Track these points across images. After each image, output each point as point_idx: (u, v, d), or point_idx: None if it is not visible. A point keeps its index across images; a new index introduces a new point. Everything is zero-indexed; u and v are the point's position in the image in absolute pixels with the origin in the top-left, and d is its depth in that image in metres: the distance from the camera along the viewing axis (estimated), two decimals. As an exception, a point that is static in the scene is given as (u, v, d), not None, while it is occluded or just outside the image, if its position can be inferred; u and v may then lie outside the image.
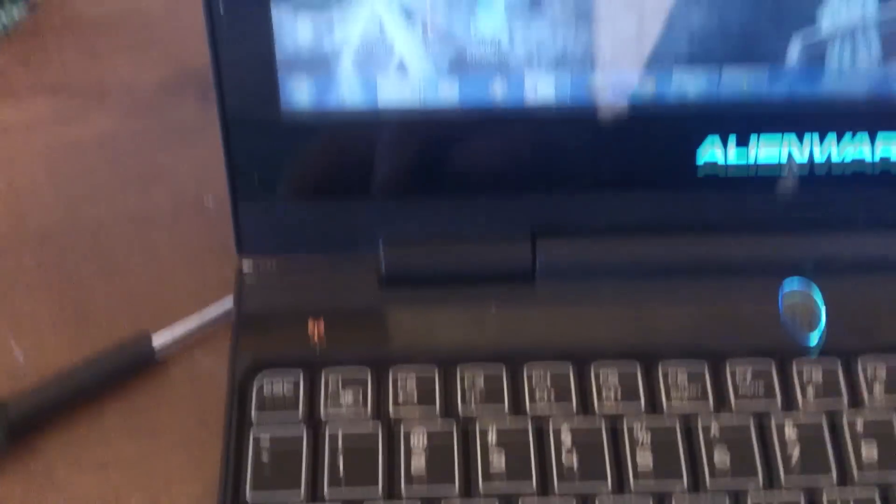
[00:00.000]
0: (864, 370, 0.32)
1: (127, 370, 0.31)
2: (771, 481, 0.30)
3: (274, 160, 0.31)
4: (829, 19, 0.29)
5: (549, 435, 0.30)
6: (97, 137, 0.34)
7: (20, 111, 0.35)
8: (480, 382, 0.31)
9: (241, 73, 0.29)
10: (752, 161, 0.32)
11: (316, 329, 0.31)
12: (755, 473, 0.30)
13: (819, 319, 0.33)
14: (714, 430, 0.30)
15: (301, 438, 0.29)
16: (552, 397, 0.31)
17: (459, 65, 0.29)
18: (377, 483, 0.29)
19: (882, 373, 0.32)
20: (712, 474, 0.29)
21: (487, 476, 0.29)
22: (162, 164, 0.34)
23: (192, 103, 0.35)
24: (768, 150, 0.31)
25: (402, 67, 0.29)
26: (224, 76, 0.29)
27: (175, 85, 0.36)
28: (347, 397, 0.30)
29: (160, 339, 0.32)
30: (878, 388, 0.31)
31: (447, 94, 0.30)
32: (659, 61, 0.29)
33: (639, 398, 0.31)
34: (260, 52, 0.29)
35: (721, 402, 0.31)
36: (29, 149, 0.35)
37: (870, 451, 0.30)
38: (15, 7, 0.37)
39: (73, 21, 0.37)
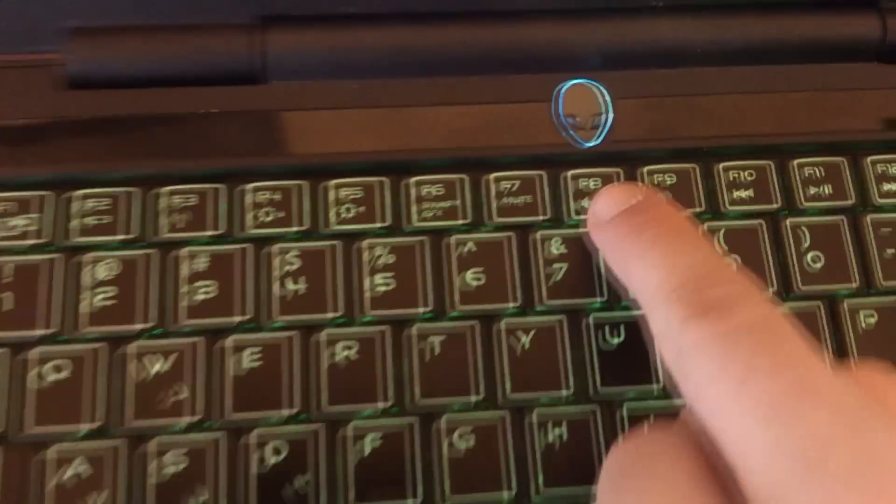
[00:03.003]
0: (649, 178, 0.31)
1: None
2: (527, 305, 0.30)
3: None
4: None
5: (271, 257, 0.30)
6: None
7: None
8: (181, 202, 0.30)
9: None
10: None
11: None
12: (506, 299, 0.30)
13: (602, 121, 0.32)
14: (468, 247, 0.30)
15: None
16: (274, 217, 0.30)
17: None
18: (46, 322, 0.28)
19: (671, 180, 0.32)
20: (462, 300, 0.29)
21: (187, 309, 0.29)
22: None
23: None
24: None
25: None
26: None
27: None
28: (17, 223, 0.29)
29: None
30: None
31: None
32: None
33: (382, 216, 0.30)
34: None
35: (478, 217, 0.31)
36: None
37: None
38: None
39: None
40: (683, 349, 0.22)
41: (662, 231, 0.26)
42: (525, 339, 0.30)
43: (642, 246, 0.25)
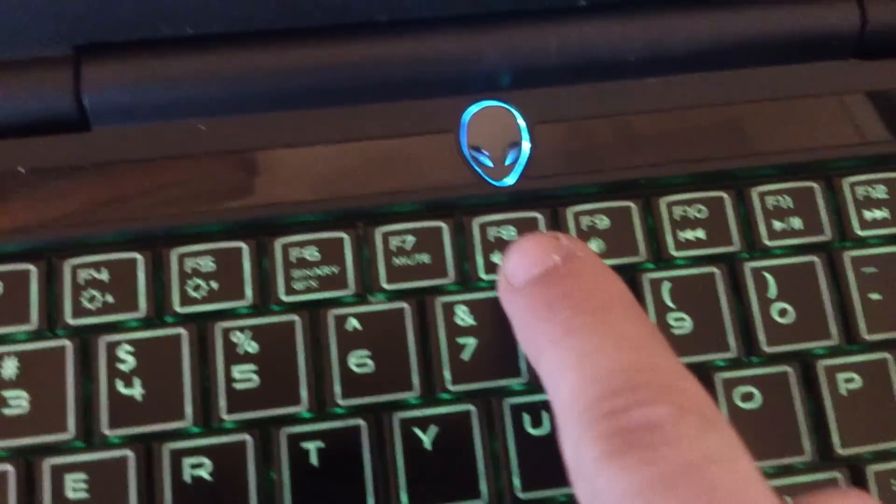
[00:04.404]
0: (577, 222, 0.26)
1: None
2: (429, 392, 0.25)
3: None
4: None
5: (99, 354, 0.24)
6: None
7: None
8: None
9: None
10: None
11: None
12: (402, 387, 0.25)
13: (518, 153, 0.27)
14: (352, 324, 0.25)
15: None
16: (102, 302, 0.25)
17: None
18: None
19: (603, 222, 0.26)
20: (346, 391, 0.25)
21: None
22: None
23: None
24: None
25: None
26: None
27: None
28: None
29: None
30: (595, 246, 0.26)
31: None
32: None
33: (242, 292, 0.25)
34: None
35: (365, 284, 0.25)
36: None
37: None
38: None
39: None
40: (599, 495, 0.18)
41: (580, 311, 0.21)
42: (426, 437, 0.24)
43: (555, 331, 0.21)
